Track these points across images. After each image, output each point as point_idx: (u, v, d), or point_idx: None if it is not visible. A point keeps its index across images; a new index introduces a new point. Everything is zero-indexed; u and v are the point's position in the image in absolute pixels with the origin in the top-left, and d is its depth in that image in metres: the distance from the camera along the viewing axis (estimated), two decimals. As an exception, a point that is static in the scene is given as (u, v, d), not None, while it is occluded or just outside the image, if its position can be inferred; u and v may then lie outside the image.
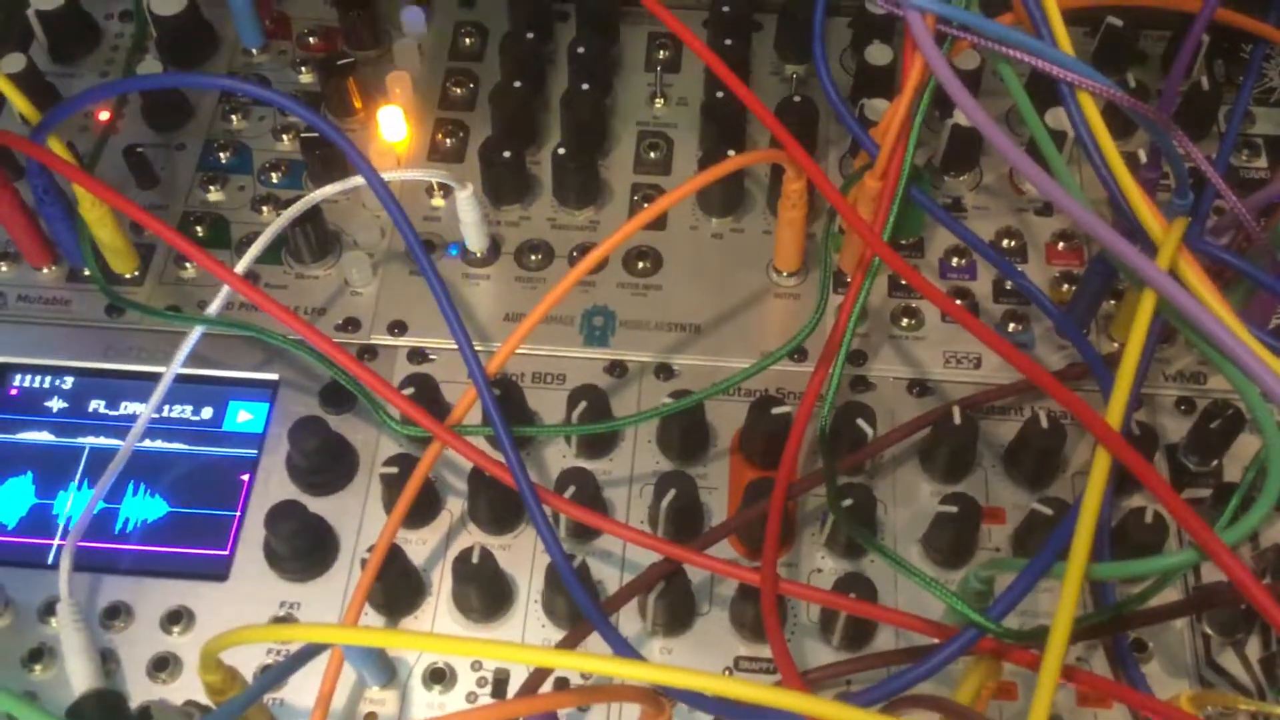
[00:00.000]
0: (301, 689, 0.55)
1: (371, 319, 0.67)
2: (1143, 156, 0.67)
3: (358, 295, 0.68)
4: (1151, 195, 0.53)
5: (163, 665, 0.56)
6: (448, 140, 0.73)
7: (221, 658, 0.48)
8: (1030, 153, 0.53)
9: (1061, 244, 0.69)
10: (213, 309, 0.62)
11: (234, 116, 0.74)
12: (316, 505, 0.59)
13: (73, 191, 0.63)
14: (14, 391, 0.65)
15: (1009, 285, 0.67)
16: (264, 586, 0.59)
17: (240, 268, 0.61)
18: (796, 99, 0.69)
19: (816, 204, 0.68)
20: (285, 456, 0.62)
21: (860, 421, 0.59)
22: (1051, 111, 0.65)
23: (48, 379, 0.65)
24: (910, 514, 0.60)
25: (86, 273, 0.67)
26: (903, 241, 0.69)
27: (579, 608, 0.52)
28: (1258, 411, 0.48)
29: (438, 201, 0.71)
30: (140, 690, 0.56)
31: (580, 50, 0.72)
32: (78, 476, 0.62)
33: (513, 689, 0.56)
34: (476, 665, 0.56)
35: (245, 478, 0.62)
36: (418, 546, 0.60)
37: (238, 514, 0.61)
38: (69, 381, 0.65)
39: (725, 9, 0.73)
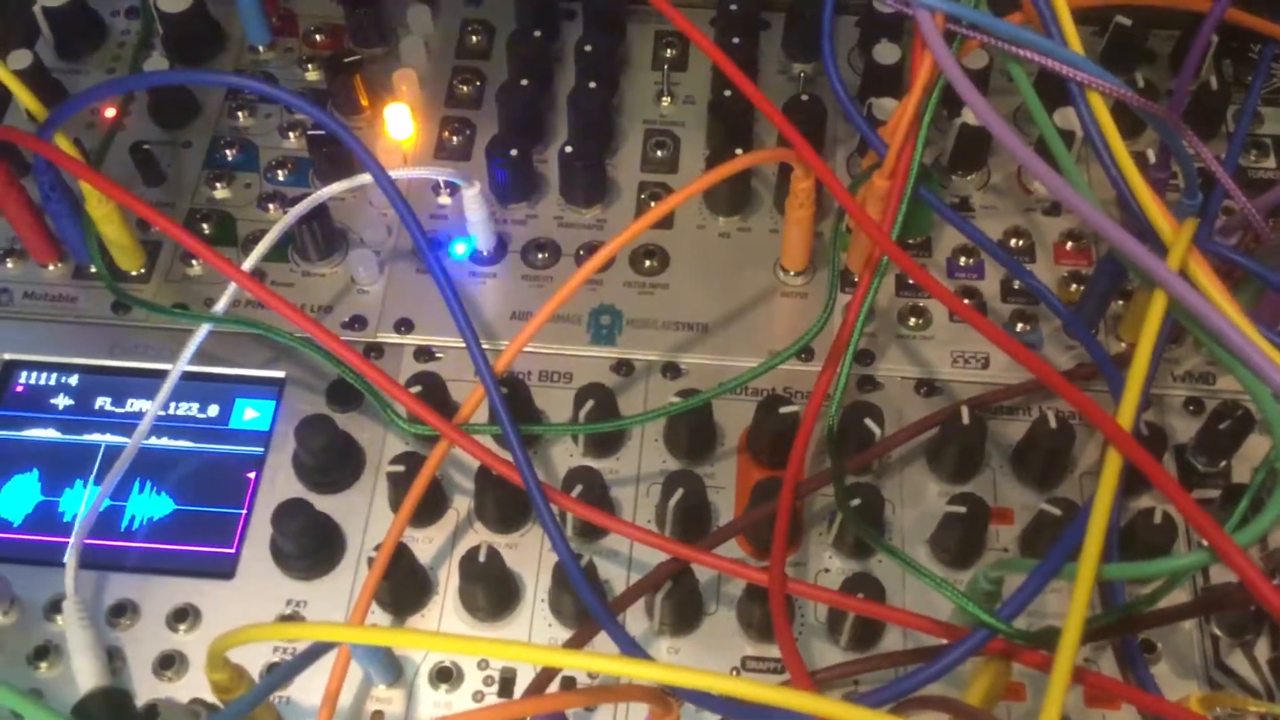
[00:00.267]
0: (308, 687, 0.55)
1: (378, 317, 0.67)
2: (1151, 156, 0.67)
3: (364, 293, 0.68)
4: (1160, 195, 0.53)
5: (169, 663, 0.56)
6: (454, 138, 0.73)
7: (228, 656, 0.48)
8: (1039, 152, 0.53)
9: (1070, 244, 0.68)
10: (219, 306, 0.61)
11: (240, 114, 0.74)
12: (323, 503, 0.59)
13: (79, 188, 0.63)
14: (20, 389, 0.65)
15: (1017, 285, 0.67)
16: (270, 585, 0.59)
17: (247, 265, 0.61)
18: (804, 98, 0.69)
19: (824, 203, 0.68)
20: (292, 454, 0.61)
21: (868, 421, 0.59)
22: (1060, 111, 0.65)
23: (54, 376, 0.65)
24: (918, 514, 0.60)
25: (93, 270, 0.67)
26: (910, 241, 0.68)
27: (586, 607, 0.52)
28: (1268, 412, 0.47)
29: (444, 199, 0.71)
30: (146, 688, 0.56)
31: (587, 48, 0.72)
32: (84, 474, 0.62)
33: (519, 688, 0.55)
34: (483, 664, 0.56)
35: (251, 476, 0.62)
36: (424, 545, 0.59)
37: (244, 512, 0.61)
38: (75, 379, 0.65)
39: (733, 7, 0.73)
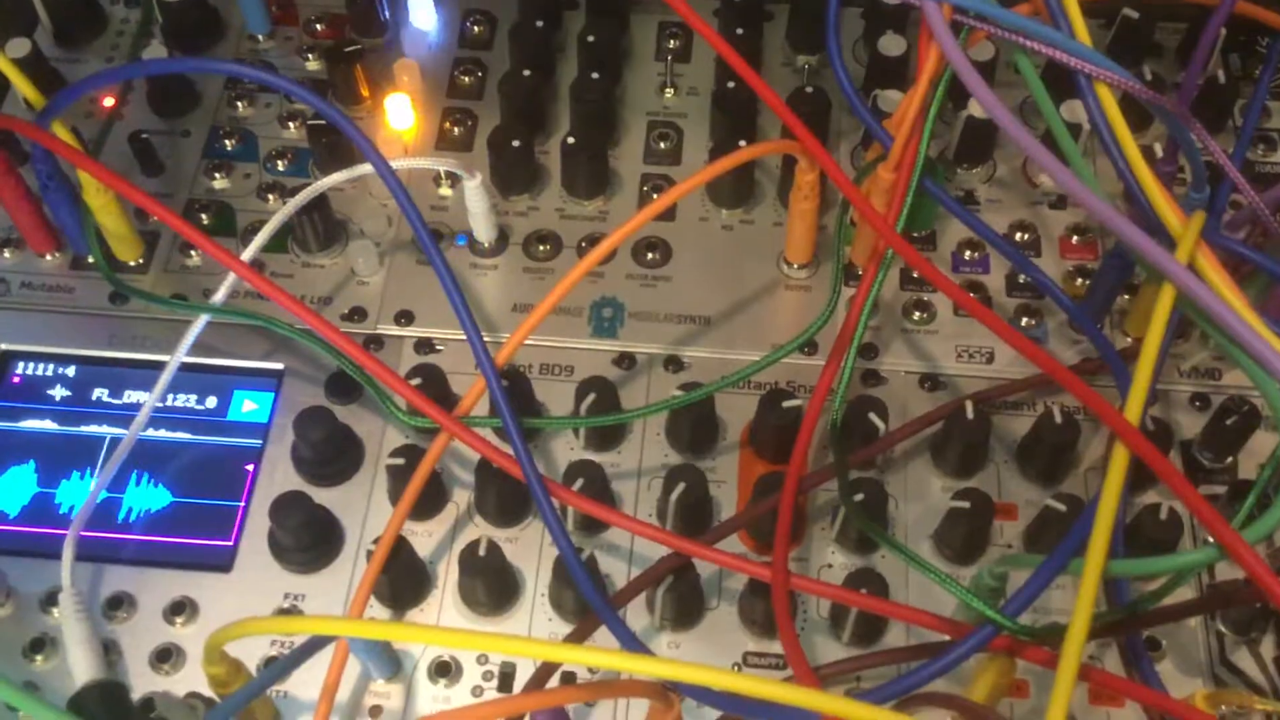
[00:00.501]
0: (306, 681, 0.55)
1: (378, 309, 0.66)
2: (1159, 150, 0.66)
3: (364, 285, 0.67)
4: (1167, 190, 0.52)
5: (166, 656, 0.56)
6: (456, 129, 0.73)
7: (225, 649, 0.47)
8: (1045, 145, 0.52)
9: (1075, 238, 0.68)
10: (218, 297, 0.61)
11: (240, 103, 0.74)
12: (322, 496, 0.59)
13: (77, 178, 0.63)
14: (17, 379, 0.64)
15: (1022, 279, 0.66)
16: (268, 578, 0.58)
17: (247, 255, 0.60)
18: (808, 90, 0.69)
19: (828, 196, 0.68)
20: (290, 447, 0.61)
21: (872, 416, 0.58)
22: (1066, 104, 0.64)
23: (51, 367, 0.64)
24: (922, 509, 0.60)
25: (90, 260, 0.66)
26: (915, 235, 0.68)
27: (587, 601, 0.52)
28: (1277, 406, 0.47)
29: (445, 191, 0.70)
30: (143, 682, 0.55)
31: (590, 39, 0.72)
32: (81, 466, 0.61)
33: (519, 683, 0.55)
34: (483, 659, 0.56)
35: (250, 468, 0.61)
36: (424, 539, 0.59)
37: (242, 504, 0.60)
38: (72, 370, 0.64)
39: (737, -2, 0.73)
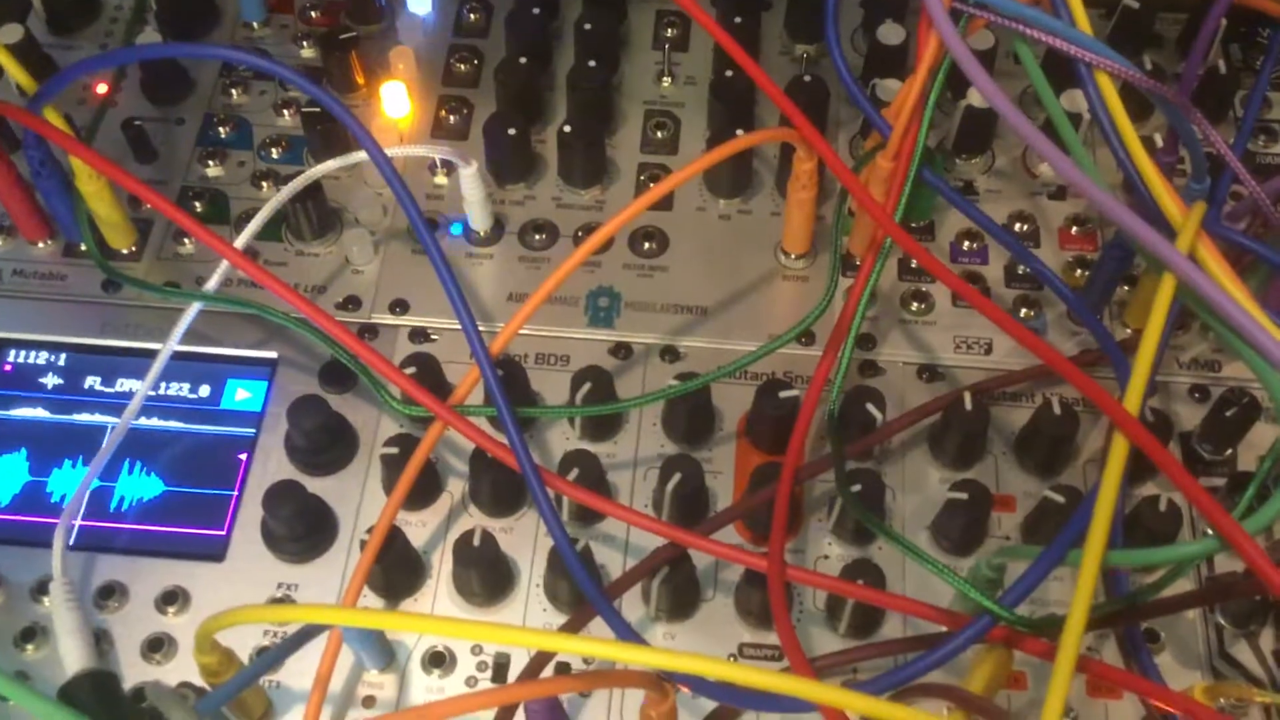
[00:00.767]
0: (299, 671, 0.55)
1: (373, 297, 0.66)
2: (1159, 141, 0.66)
3: (359, 273, 0.67)
4: (1168, 180, 0.52)
5: (157, 646, 0.55)
6: (451, 117, 0.72)
7: (217, 639, 0.47)
8: (1045, 135, 0.52)
9: (1075, 228, 0.68)
10: (211, 284, 0.60)
11: (234, 91, 0.73)
12: (315, 486, 0.58)
13: (70, 164, 0.62)
14: (8, 367, 0.64)
15: (1021, 270, 0.66)
16: (261, 568, 0.58)
17: (240, 243, 0.60)
18: (807, 79, 0.68)
19: (826, 186, 0.67)
20: (284, 436, 0.61)
21: (869, 406, 0.58)
22: (1066, 94, 0.64)
23: (43, 355, 0.64)
24: (919, 500, 0.59)
25: (83, 247, 0.66)
26: (913, 225, 0.68)
27: (582, 592, 0.51)
28: (1278, 396, 0.46)
29: (440, 179, 0.70)
30: (134, 671, 0.55)
31: (587, 27, 0.71)
32: (73, 454, 0.61)
33: (513, 674, 0.55)
34: (477, 649, 0.55)
35: (243, 457, 0.61)
36: (418, 528, 0.59)
37: (235, 494, 0.60)
38: (64, 358, 0.64)
39: (735, -13, 0.72)
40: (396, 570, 0.56)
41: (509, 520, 0.59)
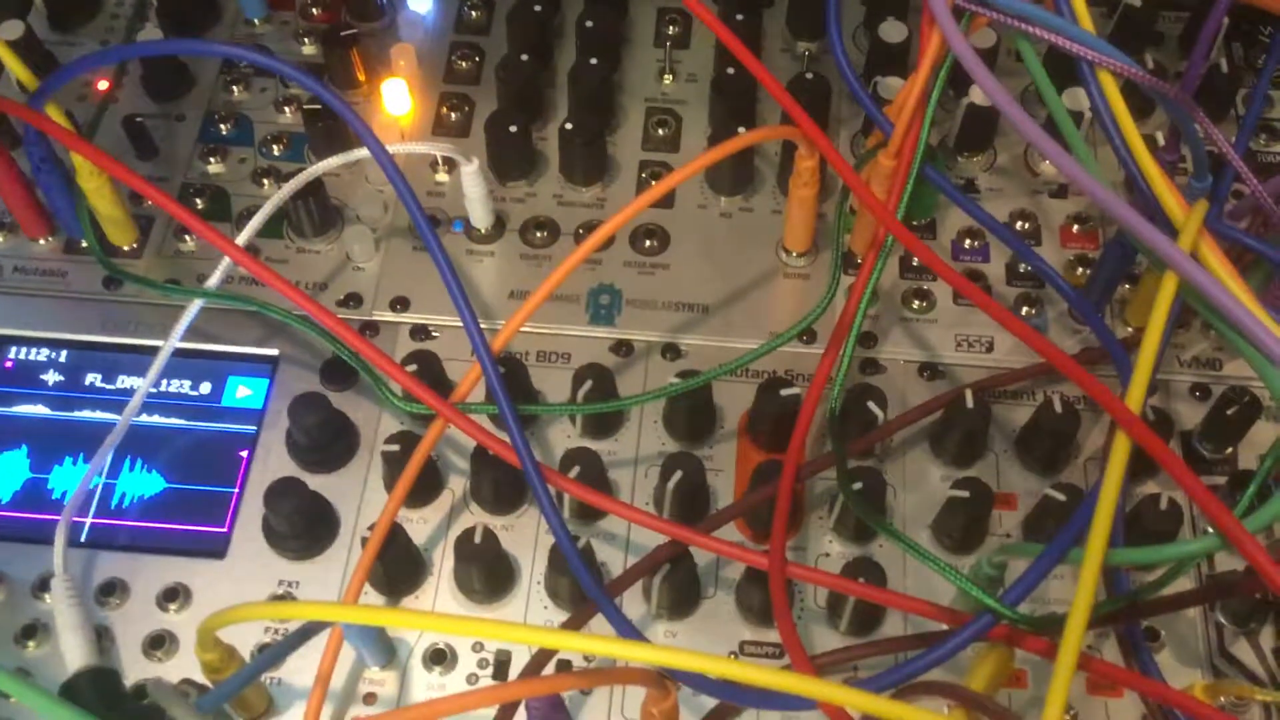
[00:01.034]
0: (300, 669, 0.55)
1: (374, 295, 0.66)
2: (1160, 139, 0.66)
3: (360, 270, 0.67)
4: (1169, 178, 0.52)
5: (159, 643, 0.55)
6: (453, 114, 0.72)
7: (219, 635, 0.47)
8: (1047, 132, 0.52)
9: (1076, 227, 0.68)
10: (212, 281, 0.60)
11: (235, 88, 0.73)
12: (316, 483, 0.58)
13: (71, 161, 0.62)
14: (9, 364, 0.64)
15: (1022, 268, 0.66)
16: (262, 565, 0.58)
17: (241, 240, 0.60)
18: (809, 76, 0.68)
19: (828, 184, 0.67)
20: (285, 433, 0.61)
21: (870, 404, 0.58)
22: (1068, 92, 0.64)
23: (44, 352, 0.64)
24: (920, 499, 0.59)
25: (84, 244, 0.66)
26: (915, 223, 0.68)
27: (583, 589, 0.51)
28: (1279, 394, 0.47)
29: (442, 176, 0.70)
30: (136, 668, 0.55)
31: (589, 24, 0.71)
32: (74, 451, 0.61)
33: (514, 672, 0.55)
34: (478, 646, 0.55)
35: (244, 454, 0.61)
36: (419, 526, 0.59)
37: (236, 491, 0.60)
38: (65, 355, 0.64)
39: (737, -16, 0.72)
40: (397, 568, 0.56)
41: (510, 518, 0.59)
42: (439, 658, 0.55)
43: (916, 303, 0.65)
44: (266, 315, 0.62)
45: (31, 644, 0.55)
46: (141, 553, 0.58)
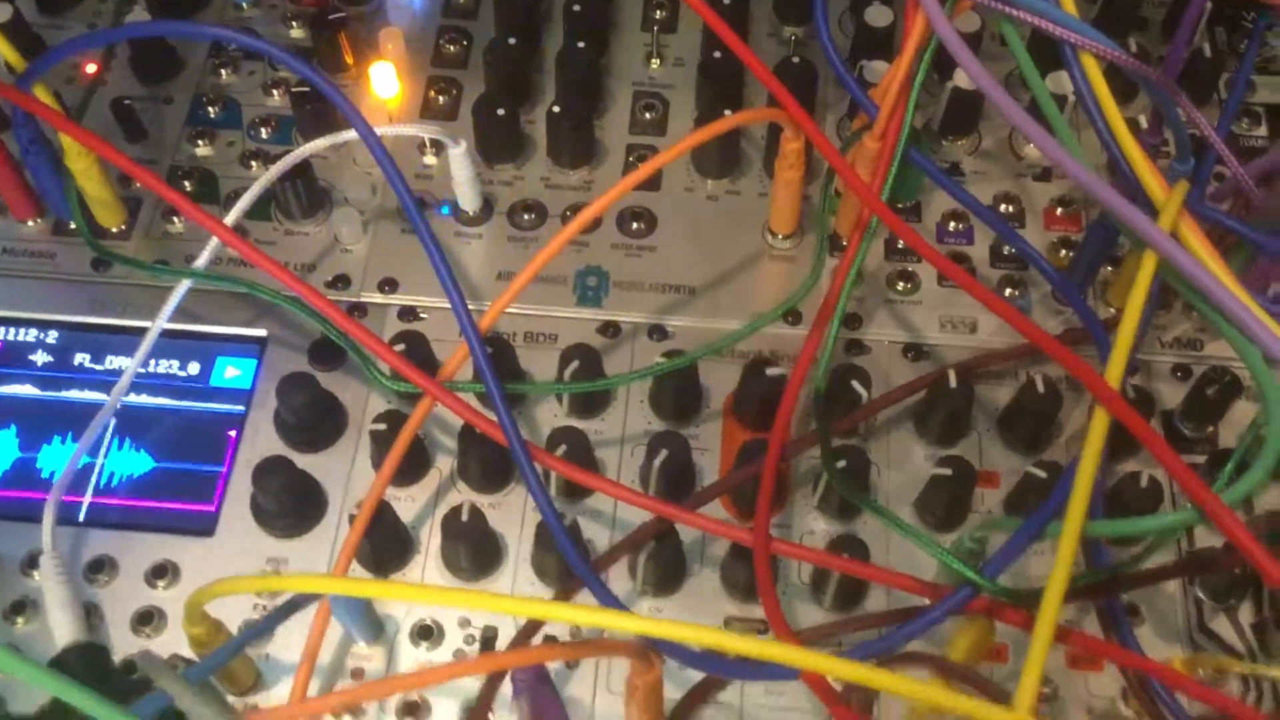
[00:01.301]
0: (287, 645, 0.55)
1: (362, 276, 0.66)
2: (1143, 122, 0.66)
3: (348, 252, 0.67)
4: (1152, 160, 0.52)
5: (147, 619, 0.56)
6: (440, 98, 0.73)
7: (206, 609, 0.47)
8: (1031, 115, 0.52)
9: (1060, 209, 0.68)
10: (200, 262, 0.60)
11: (223, 70, 0.73)
12: (304, 462, 0.59)
13: (59, 143, 0.62)
14: (-2, 344, 0.64)
15: (1006, 251, 0.67)
16: (250, 543, 0.58)
17: (229, 221, 0.60)
18: (795, 60, 0.69)
19: (814, 167, 0.68)
20: (273, 413, 0.61)
21: (855, 384, 0.58)
22: (1051, 76, 0.64)
23: (32, 332, 0.64)
24: (904, 477, 0.60)
25: (73, 225, 0.66)
26: (899, 206, 0.68)
27: (569, 565, 0.52)
28: (1258, 373, 0.47)
29: (430, 159, 0.70)
30: (124, 644, 0.55)
31: (576, 8, 0.72)
32: (62, 431, 0.61)
33: (501, 646, 0.55)
34: (465, 622, 0.56)
35: (232, 434, 0.61)
36: (407, 504, 0.59)
37: (224, 470, 0.60)
38: (54, 335, 0.64)
39: (724, -31, 0.72)
40: (385, 545, 0.56)
41: (497, 496, 0.59)
42: (426, 633, 0.55)
43: (901, 284, 0.65)
44: (255, 296, 0.62)
45: (20, 620, 0.56)
46: (130, 530, 0.58)
